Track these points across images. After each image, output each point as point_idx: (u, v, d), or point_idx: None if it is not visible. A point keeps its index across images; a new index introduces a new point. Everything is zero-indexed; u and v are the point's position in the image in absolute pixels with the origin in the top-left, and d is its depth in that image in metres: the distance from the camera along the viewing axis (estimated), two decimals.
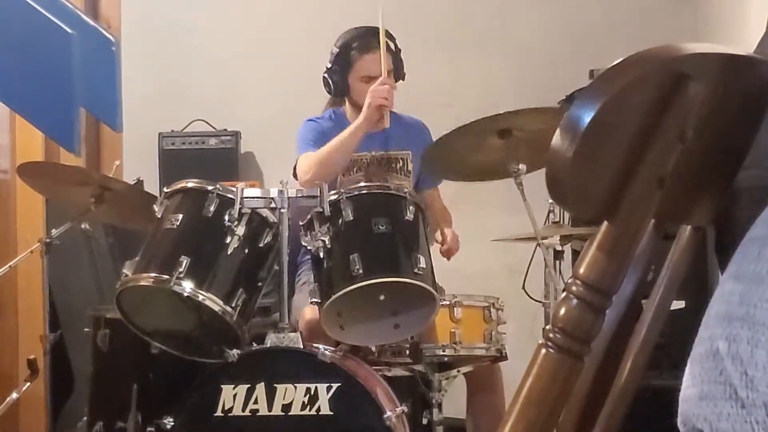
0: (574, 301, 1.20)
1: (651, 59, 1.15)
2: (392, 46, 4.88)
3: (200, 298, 3.97)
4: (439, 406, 4.43)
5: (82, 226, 4.97)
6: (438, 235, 4.89)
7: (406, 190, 4.41)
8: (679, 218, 1.30)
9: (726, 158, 1.25)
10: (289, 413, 3.98)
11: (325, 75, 4.87)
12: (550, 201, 4.64)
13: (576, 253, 4.86)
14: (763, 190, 1.13)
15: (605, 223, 1.18)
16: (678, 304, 1.35)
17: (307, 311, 4.42)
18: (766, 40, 1.72)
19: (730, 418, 0.97)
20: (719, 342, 1.00)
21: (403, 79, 4.97)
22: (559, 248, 4.61)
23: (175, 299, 4.15)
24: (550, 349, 1.21)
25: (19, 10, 2.65)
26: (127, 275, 4.06)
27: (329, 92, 4.94)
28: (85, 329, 4.71)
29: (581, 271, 1.19)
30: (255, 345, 4.24)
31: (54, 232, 4.77)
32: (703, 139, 1.19)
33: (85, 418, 4.58)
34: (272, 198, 4.23)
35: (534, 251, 4.81)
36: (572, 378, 1.23)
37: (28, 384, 4.78)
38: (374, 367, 4.42)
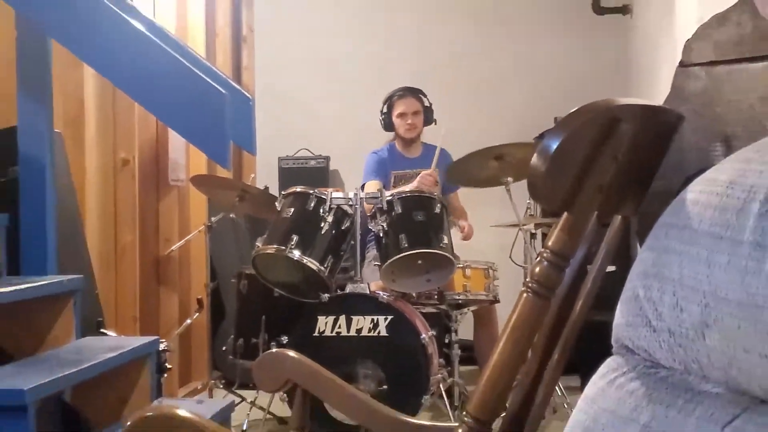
0: (545, 263, 1.25)
1: (595, 108, 1.18)
2: (426, 102, 5.19)
3: (304, 261, 4.35)
4: (456, 331, 4.86)
5: (230, 215, 5.28)
6: (460, 224, 5.17)
7: (435, 194, 4.72)
8: (612, 212, 1.30)
9: (644, 173, 1.26)
10: (360, 335, 4.31)
11: (380, 118, 5.25)
12: (529, 200, 5.01)
13: (544, 235, 5.00)
14: (668, 194, 1.13)
15: (565, 214, 1.22)
16: (611, 268, 1.34)
17: (373, 285, 4.69)
18: (671, 96, 1.93)
19: (645, 338, 1.04)
20: (639, 290, 1.05)
21: (435, 123, 5.23)
22: (533, 231, 4.94)
23: (289, 262, 4.44)
24: (528, 294, 1.26)
25: (191, 78, 2.90)
26: (258, 247, 4.47)
27: (383, 128, 5.28)
28: (232, 280, 5.07)
29: (549, 244, 1.24)
30: (338, 291, 4.59)
31: (213, 219, 5.13)
32: (629, 160, 1.20)
33: (231, 336, 4.91)
34: (350, 198, 4.56)
35: (517, 234, 5.00)
36: (543, 313, 1.28)
37: (197, 314, 5.14)
38: (414, 306, 4.77)
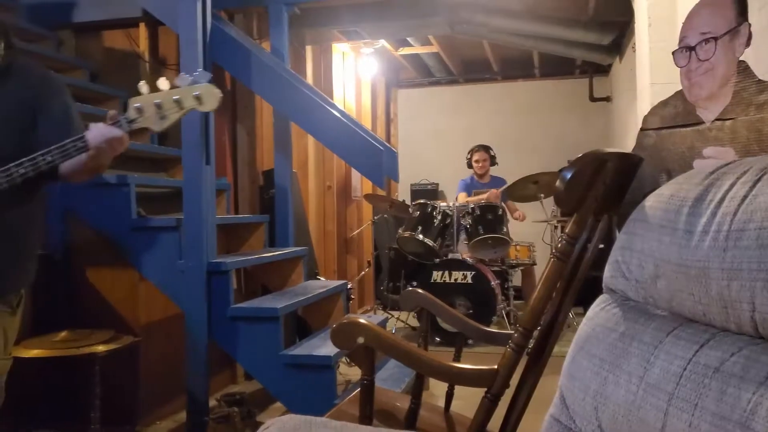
0: (564, 241, 1.28)
1: (593, 154, 1.22)
2: (492, 153, 5.47)
3: (425, 240, 4.73)
4: (511, 281, 5.12)
5: (384, 215, 5.66)
6: (516, 213, 5.36)
7: (498, 203, 4.99)
8: (603, 212, 1.28)
9: (621, 190, 1.27)
10: (456, 282, 4.72)
11: (466, 161, 5.56)
12: (553, 207, 5.16)
13: (563, 227, 4.96)
14: (634, 203, 1.11)
15: (575, 214, 1.25)
16: (601, 246, 1.32)
17: (463, 254, 4.85)
18: (635, 148, 1.83)
19: (622, 284, 1.09)
20: (618, 257, 1.09)
21: (497, 164, 5.53)
22: (556, 225, 5.03)
23: (416, 241, 4.78)
24: (554, 259, 1.29)
25: (364, 141, 3.11)
26: (400, 233, 4.82)
27: (468, 167, 5.56)
28: (386, 250, 5.55)
29: (567, 231, 1.27)
30: (444, 257, 4.83)
31: (375, 218, 5.62)
32: (612, 183, 1.23)
33: (385, 281, 5.40)
34: (450, 206, 4.96)
35: (546, 227, 5.21)
36: (562, 271, 1.31)
37: (367, 269, 5.63)
38: (487, 266, 4.97)
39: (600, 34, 5.01)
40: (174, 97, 1.57)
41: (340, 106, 4.27)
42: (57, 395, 2.96)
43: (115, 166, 3.28)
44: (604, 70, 6.72)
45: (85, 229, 3.05)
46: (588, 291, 1.38)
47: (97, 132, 1.57)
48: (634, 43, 3.91)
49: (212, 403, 2.86)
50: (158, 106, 1.56)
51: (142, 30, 3.91)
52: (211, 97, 1.58)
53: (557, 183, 1.21)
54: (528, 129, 7.27)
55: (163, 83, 1.57)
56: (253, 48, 3.28)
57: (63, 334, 2.77)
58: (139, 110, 1.57)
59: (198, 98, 1.57)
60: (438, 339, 4.42)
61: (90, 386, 2.62)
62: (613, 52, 5.51)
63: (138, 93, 1.56)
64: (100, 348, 2.63)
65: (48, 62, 3.73)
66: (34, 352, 2.58)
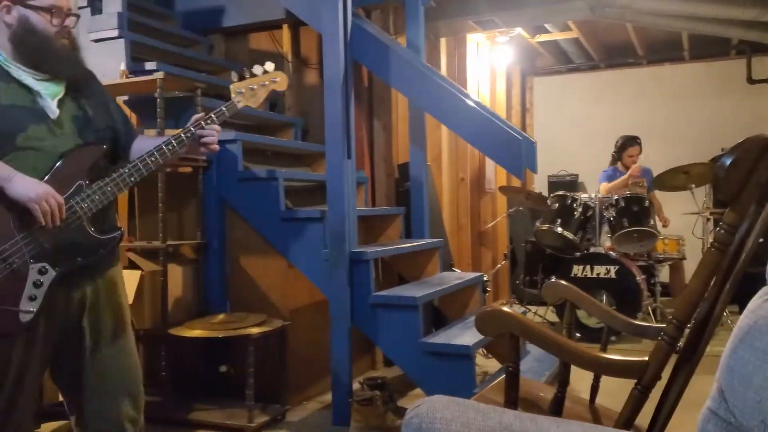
0: (722, 231, 1.25)
1: (755, 139, 1.18)
2: (641, 144, 5.21)
3: (564, 233, 4.70)
4: (657, 276, 4.92)
5: (520, 208, 5.53)
6: (662, 217, 5.13)
7: (644, 193, 4.81)
8: (765, 200, 1.21)
9: None
10: (599, 276, 4.63)
11: (614, 152, 5.36)
12: (705, 197, 5.02)
13: (716, 220, 4.85)
14: None
15: (734, 203, 1.22)
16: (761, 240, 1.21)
17: (606, 248, 4.71)
18: None
19: None
20: None
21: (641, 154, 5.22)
22: (708, 217, 4.82)
23: (555, 234, 4.75)
24: (712, 249, 1.26)
25: (501, 131, 3.08)
26: (537, 225, 4.82)
27: (614, 159, 5.38)
28: (522, 244, 5.49)
29: (726, 219, 1.24)
30: (585, 251, 4.76)
31: (510, 210, 5.56)
32: None
33: (521, 275, 5.37)
34: (591, 197, 4.84)
35: (697, 218, 4.97)
36: (720, 261, 1.27)
37: (503, 262, 5.61)
38: (631, 260, 4.79)
39: (761, 10, 4.67)
40: (262, 83, 2.02)
41: (475, 97, 4.31)
42: (215, 372, 3.23)
43: (263, 161, 3.57)
44: (764, 48, 6.23)
45: (239, 219, 3.31)
46: (745, 288, 1.31)
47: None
48: None
49: (355, 386, 3.01)
50: (251, 89, 1.99)
51: (285, 32, 4.16)
52: (283, 79, 2.05)
53: (716, 169, 1.18)
54: (676, 116, 6.94)
55: (257, 69, 2.03)
56: (390, 43, 3.38)
57: (221, 316, 3.04)
58: (240, 93, 1.97)
59: (274, 81, 2.03)
60: (579, 335, 4.39)
61: (244, 365, 2.86)
62: None
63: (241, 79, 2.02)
64: (254, 330, 2.86)
65: (201, 65, 4.06)
66: (196, 332, 2.86)
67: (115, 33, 3.48)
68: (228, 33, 4.31)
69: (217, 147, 1.89)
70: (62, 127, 1.72)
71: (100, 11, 3.56)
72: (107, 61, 3.43)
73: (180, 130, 1.85)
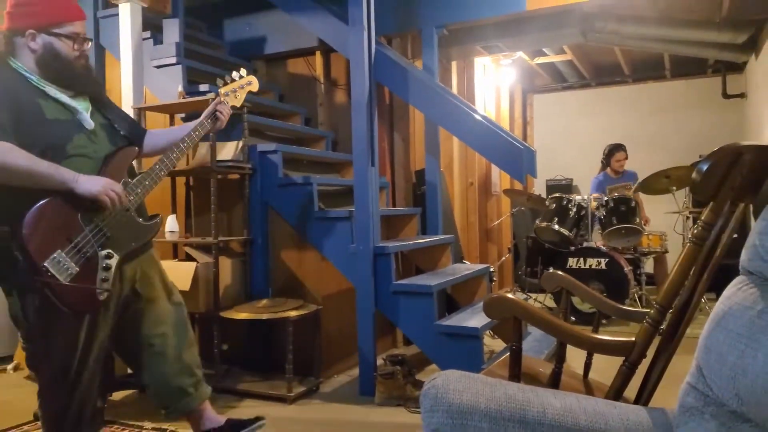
0: (700, 228, 1.22)
1: (729, 147, 1.13)
2: (626, 151, 5.10)
3: (562, 230, 4.57)
4: (643, 267, 4.80)
5: (522, 208, 5.49)
6: (644, 217, 4.94)
7: (630, 195, 4.69)
8: (739, 201, 1.18)
9: (757, 182, 1.15)
10: (591, 268, 4.52)
11: (602, 159, 5.26)
12: (685, 198, 4.85)
13: (694, 219, 4.72)
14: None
15: (711, 203, 1.19)
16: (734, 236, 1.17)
17: (598, 243, 4.65)
18: None
19: (759, 266, 0.99)
20: (756, 240, 1.01)
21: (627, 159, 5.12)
22: (687, 216, 4.69)
23: (553, 231, 4.64)
24: (690, 244, 1.24)
25: (504, 141, 2.96)
26: (537, 223, 4.69)
27: (603, 165, 5.29)
28: (523, 239, 5.43)
29: (703, 218, 1.21)
30: (579, 246, 4.64)
31: (513, 210, 5.42)
32: (748, 175, 1.12)
33: (523, 266, 5.20)
34: (584, 198, 4.72)
35: (677, 217, 4.90)
36: (698, 255, 1.23)
37: (507, 255, 5.55)
38: (620, 254, 4.70)
39: (734, 34, 4.58)
40: (240, 86, 2.20)
41: (482, 112, 4.27)
42: (259, 349, 3.25)
43: (299, 169, 3.58)
44: (738, 67, 6.08)
45: (279, 219, 3.32)
46: (720, 278, 1.30)
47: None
48: None
49: (378, 362, 3.01)
50: (234, 91, 2.18)
51: (318, 57, 4.19)
52: (255, 82, 2.24)
53: (694, 174, 1.15)
54: (659, 128, 6.81)
55: (235, 75, 2.21)
56: (409, 66, 3.38)
57: (264, 301, 3.07)
58: (227, 96, 2.13)
59: (249, 84, 2.23)
60: (573, 318, 4.30)
61: (284, 343, 2.88)
62: (747, 49, 5.01)
63: (225, 83, 2.21)
64: (293, 313, 2.87)
65: None
66: (243, 315, 2.88)
67: (174, 60, 3.51)
68: (269, 59, 4.35)
69: (224, 124, 2.09)
70: (97, 135, 1.78)
71: (161, 42, 3.61)
72: (167, 84, 3.48)
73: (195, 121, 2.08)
